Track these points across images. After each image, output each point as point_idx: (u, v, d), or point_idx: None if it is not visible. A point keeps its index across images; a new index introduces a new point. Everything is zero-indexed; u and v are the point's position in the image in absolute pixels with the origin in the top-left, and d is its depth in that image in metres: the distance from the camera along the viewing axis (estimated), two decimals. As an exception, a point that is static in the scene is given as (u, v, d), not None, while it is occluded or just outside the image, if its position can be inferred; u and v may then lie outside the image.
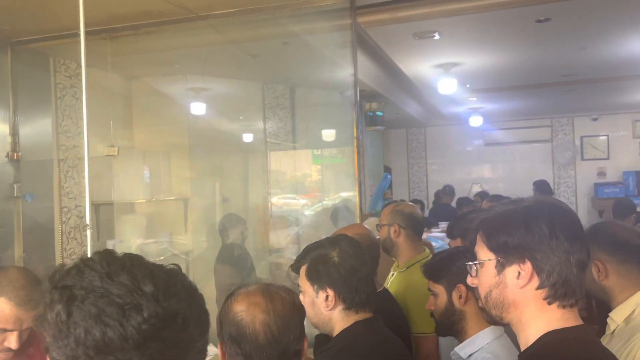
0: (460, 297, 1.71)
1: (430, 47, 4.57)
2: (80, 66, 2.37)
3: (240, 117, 5.40)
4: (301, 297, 1.56)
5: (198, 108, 4.85)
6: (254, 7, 3.27)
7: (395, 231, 2.52)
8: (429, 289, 1.83)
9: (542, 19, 3.86)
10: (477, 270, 1.15)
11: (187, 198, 4.79)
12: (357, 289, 1.57)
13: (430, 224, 5.75)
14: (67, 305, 0.72)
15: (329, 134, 5.69)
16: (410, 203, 2.84)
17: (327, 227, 5.03)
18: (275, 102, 5.26)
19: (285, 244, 5.02)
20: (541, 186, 6.56)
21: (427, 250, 2.64)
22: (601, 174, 8.86)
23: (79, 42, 2.33)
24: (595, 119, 8.91)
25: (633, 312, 1.58)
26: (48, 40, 3.72)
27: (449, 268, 1.76)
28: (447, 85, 5.32)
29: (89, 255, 0.80)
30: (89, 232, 2.43)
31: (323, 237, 1.78)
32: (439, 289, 1.78)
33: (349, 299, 1.56)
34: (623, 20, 4.03)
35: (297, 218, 5.60)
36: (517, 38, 4.44)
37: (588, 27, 4.21)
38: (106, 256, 0.79)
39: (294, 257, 1.71)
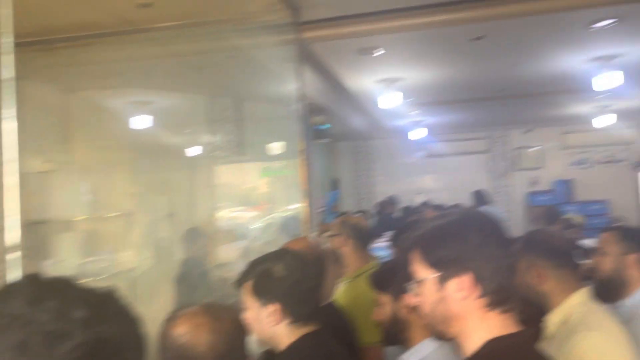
0: (406, 306, 1.73)
1: (374, 62, 4.70)
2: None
3: (186, 131, 5.32)
4: (245, 314, 1.54)
5: (141, 122, 4.74)
6: (197, 21, 3.25)
7: (342, 241, 2.56)
8: (376, 299, 1.84)
9: (476, 37, 4.07)
10: (417, 289, 1.14)
11: (130, 214, 4.65)
12: (302, 302, 1.56)
13: (375, 234, 5.85)
14: None
15: (276, 147, 5.71)
16: (357, 214, 2.90)
17: (277, 239, 5.02)
18: (222, 115, 5.23)
19: (234, 258, 4.97)
20: (479, 196, 6.82)
21: (376, 260, 2.69)
22: (534, 183, 9.34)
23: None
24: (528, 132, 9.40)
25: (567, 315, 1.64)
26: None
27: (394, 277, 1.76)
28: (390, 99, 5.46)
29: (18, 279, 0.76)
30: (19, 254, 2.30)
31: (272, 250, 1.77)
32: (386, 299, 1.78)
33: (294, 313, 1.55)
34: (552, 39, 4.31)
35: (246, 231, 5.55)
36: (454, 54, 4.64)
37: (519, 45, 4.47)
38: (34, 280, 0.74)
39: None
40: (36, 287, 0.73)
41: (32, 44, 3.35)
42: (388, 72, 5.10)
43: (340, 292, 2.57)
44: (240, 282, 1.62)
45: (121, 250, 4.64)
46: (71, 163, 4.39)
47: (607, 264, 1.97)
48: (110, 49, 3.67)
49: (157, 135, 4.88)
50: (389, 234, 5.13)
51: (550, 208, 5.58)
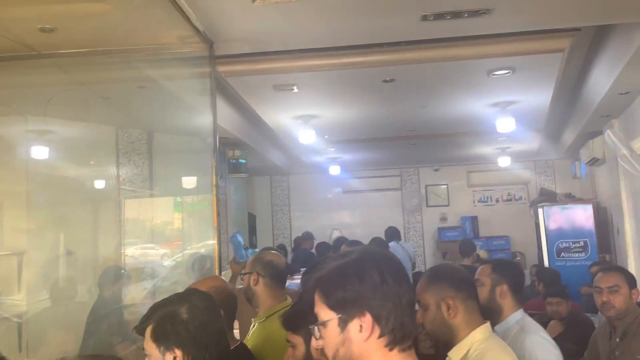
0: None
1: (290, 99, 4.75)
2: None
3: (91, 162, 5.00)
4: None
5: (39, 152, 4.38)
6: (105, 49, 3.12)
7: (254, 280, 2.48)
8: (288, 340, 1.79)
9: (387, 79, 4.26)
10: (320, 331, 1.13)
11: (22, 252, 4.23)
12: (207, 346, 1.49)
13: (292, 270, 5.79)
14: None
15: (189, 181, 5.53)
16: (273, 251, 2.82)
17: (187, 278, 4.80)
18: (131, 147, 5.00)
19: (140, 298, 4.66)
20: (390, 233, 7.05)
21: (289, 299, 2.62)
22: (443, 219, 9.82)
23: None
24: (436, 170, 9.92)
25: (468, 350, 1.69)
26: None
27: (307, 317, 1.75)
28: (306, 136, 5.54)
29: None
30: None
31: (182, 289, 1.68)
32: (298, 340, 1.75)
33: (199, 358, 1.47)
34: (456, 84, 4.61)
35: (155, 269, 5.26)
36: (367, 95, 4.82)
37: (427, 89, 4.74)
38: None
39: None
40: None
41: None
42: (304, 109, 5.18)
43: (251, 333, 2.47)
44: (141, 327, 1.52)
45: (10, 293, 4.19)
46: (-46, 196, 3.95)
47: (483, 294, 2.12)
48: (7, 74, 3.41)
49: (57, 167, 4.54)
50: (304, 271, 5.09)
51: (465, 241, 5.94)
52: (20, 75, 3.47)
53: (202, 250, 4.88)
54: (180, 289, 1.66)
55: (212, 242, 3.53)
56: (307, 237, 7.78)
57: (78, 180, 4.73)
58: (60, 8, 2.62)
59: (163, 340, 1.47)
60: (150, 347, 1.49)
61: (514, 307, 2.17)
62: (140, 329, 1.53)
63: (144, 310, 1.56)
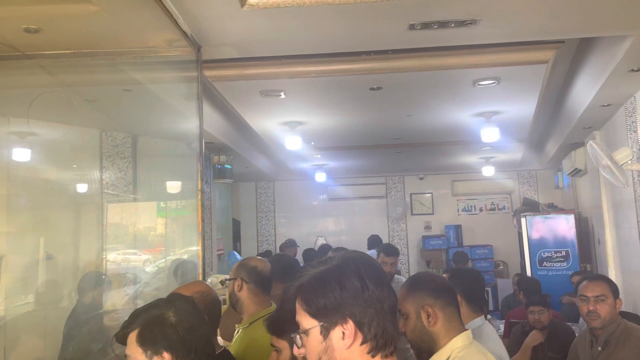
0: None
1: (277, 105, 4.75)
2: None
3: (74, 166, 4.93)
4: None
5: (21, 154, 4.31)
6: (91, 51, 3.08)
7: (238, 285, 2.46)
8: (272, 345, 1.78)
9: (374, 87, 4.28)
10: (302, 340, 1.13)
11: (0, 256, 4.14)
12: (196, 349, 1.47)
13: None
14: None
15: (174, 186, 5.48)
16: (258, 257, 2.80)
17: (170, 284, 4.74)
18: (115, 150, 4.94)
19: (121, 304, 4.59)
20: (372, 241, 7.08)
21: (274, 305, 2.60)
22: (427, 227, 9.87)
23: None
24: (421, 178, 9.99)
25: (448, 357, 1.69)
26: None
27: (291, 321, 1.74)
28: (292, 142, 5.54)
29: None
30: None
31: (164, 295, 1.65)
32: (283, 344, 1.74)
33: None
34: (441, 93, 4.66)
35: (137, 275, 5.19)
36: (354, 102, 4.84)
37: (413, 98, 4.77)
38: None
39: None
40: None
41: None
42: (291, 115, 5.19)
43: (235, 339, 2.45)
44: (123, 333, 1.48)
45: (-13, 298, 4.09)
46: None
47: None
48: (-11, 73, 3.35)
49: (38, 170, 4.47)
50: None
51: (460, 252, 6.09)
52: (3, 76, 3.41)
53: (185, 256, 4.83)
54: (163, 295, 1.64)
55: (196, 248, 3.50)
56: (290, 244, 7.76)
57: (60, 183, 4.65)
58: (46, 8, 2.58)
59: (150, 344, 1.44)
60: (135, 352, 1.45)
61: (471, 315, 2.21)
62: (122, 335, 1.49)
63: (125, 316, 1.53)
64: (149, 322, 1.47)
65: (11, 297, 4.20)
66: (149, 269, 5.48)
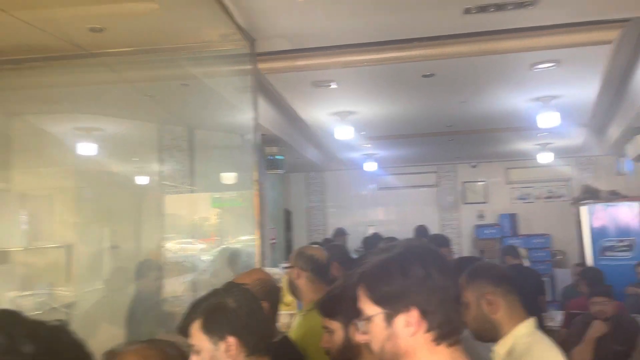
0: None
1: (328, 95, 4.77)
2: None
3: (135, 159, 5.16)
4: (194, 357, 1.45)
5: (87, 149, 4.55)
6: (151, 48, 3.20)
7: (296, 274, 2.51)
8: (324, 326, 1.77)
9: (427, 74, 4.22)
10: (365, 326, 1.12)
11: (70, 245, 4.40)
12: (257, 333, 1.51)
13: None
14: None
15: (228, 177, 5.62)
16: (315, 246, 2.84)
17: (225, 272, 4.88)
18: (173, 143, 5.12)
19: (181, 291, 4.78)
20: (418, 231, 6.98)
21: (331, 292, 2.64)
22: (480, 216, 9.64)
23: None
24: (474, 166, 9.74)
25: (512, 346, 1.67)
26: None
27: (343, 303, 1.69)
28: (343, 132, 5.54)
29: None
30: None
31: (220, 283, 1.70)
32: (336, 325, 1.73)
33: (251, 344, 1.49)
34: (497, 79, 4.53)
35: (194, 263, 5.38)
36: (406, 91, 4.78)
37: (467, 84, 4.66)
38: None
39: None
40: None
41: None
42: (341, 105, 5.19)
43: (294, 325, 2.51)
44: (185, 324, 1.52)
45: (59, 284, 4.37)
46: (8, 190, 4.14)
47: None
48: (57, 72, 3.55)
49: (103, 163, 4.70)
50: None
51: (508, 246, 5.92)
52: (69, 74, 3.60)
53: (239, 246, 4.96)
54: (219, 283, 1.68)
55: (250, 238, 3.59)
56: (340, 233, 7.80)
57: (122, 175, 4.88)
58: (110, 7, 2.70)
59: (216, 330, 1.48)
60: (200, 340, 1.48)
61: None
62: (184, 327, 1.52)
63: (184, 302, 1.58)
64: (211, 310, 1.51)
65: (81, 284, 4.46)
66: (205, 257, 5.66)
